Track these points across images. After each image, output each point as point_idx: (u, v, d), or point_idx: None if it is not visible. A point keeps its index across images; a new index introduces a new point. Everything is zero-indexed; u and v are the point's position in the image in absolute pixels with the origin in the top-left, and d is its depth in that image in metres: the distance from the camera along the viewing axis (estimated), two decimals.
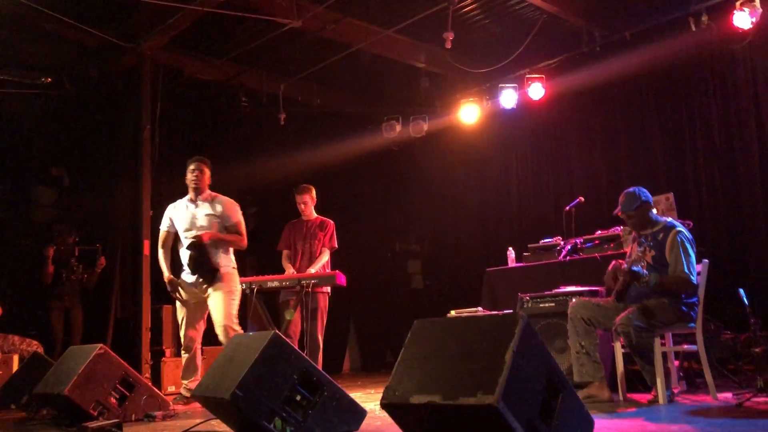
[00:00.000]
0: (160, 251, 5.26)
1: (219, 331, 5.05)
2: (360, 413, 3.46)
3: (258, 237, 7.74)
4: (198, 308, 5.18)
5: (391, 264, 9.24)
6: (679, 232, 4.32)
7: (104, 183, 7.24)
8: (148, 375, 6.31)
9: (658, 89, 6.87)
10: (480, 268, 6.48)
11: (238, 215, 5.29)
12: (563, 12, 6.72)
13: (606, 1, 6.79)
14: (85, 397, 4.11)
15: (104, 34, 6.43)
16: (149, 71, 7.07)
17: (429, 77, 7.79)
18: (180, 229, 5.21)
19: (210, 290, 5.07)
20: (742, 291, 4.62)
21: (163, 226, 5.29)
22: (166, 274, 5.20)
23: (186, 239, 5.12)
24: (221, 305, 5.01)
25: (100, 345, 4.37)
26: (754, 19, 5.77)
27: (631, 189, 4.53)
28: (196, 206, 5.19)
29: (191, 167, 5.31)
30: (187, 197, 5.25)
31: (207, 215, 5.16)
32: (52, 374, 4.48)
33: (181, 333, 5.23)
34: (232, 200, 5.33)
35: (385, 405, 2.62)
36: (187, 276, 5.14)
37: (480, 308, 5.68)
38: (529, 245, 6.13)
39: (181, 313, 5.22)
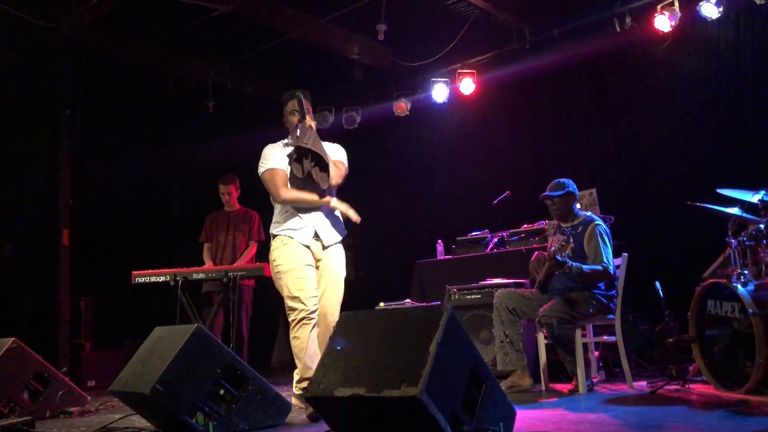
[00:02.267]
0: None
1: None
2: (285, 407, 3.43)
3: (183, 227, 7.57)
4: None
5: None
6: (598, 224, 4.48)
7: (20, 169, 6.90)
8: (66, 369, 6.06)
9: (584, 87, 7.07)
10: (411, 260, 6.52)
11: None
12: (494, 9, 6.82)
13: None
14: None
15: (23, 13, 6.11)
16: (70, 53, 6.76)
17: (362, 69, 7.76)
18: None
19: None
20: (658, 284, 4.81)
21: None
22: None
23: None
24: None
25: (13, 339, 4.18)
26: (673, 23, 6.00)
27: (560, 179, 4.66)
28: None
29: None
30: None
31: None
32: None
33: None
34: None
35: (309, 398, 2.61)
36: None
37: (409, 300, 5.72)
38: (457, 238, 6.21)
39: None
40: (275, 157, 3.95)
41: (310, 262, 3.82)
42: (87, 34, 6.77)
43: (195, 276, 5.30)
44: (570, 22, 6.80)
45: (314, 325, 3.75)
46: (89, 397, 4.59)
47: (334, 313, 3.83)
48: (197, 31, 6.80)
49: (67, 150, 6.69)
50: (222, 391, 3.18)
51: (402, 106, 7.89)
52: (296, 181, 3.83)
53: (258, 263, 5.39)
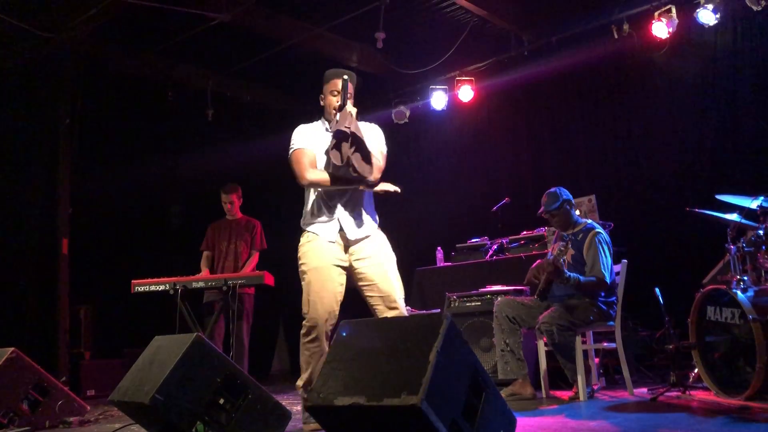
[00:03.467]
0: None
1: None
2: (285, 416, 3.41)
3: (183, 236, 7.56)
4: None
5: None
6: (598, 233, 4.48)
7: (21, 178, 6.90)
8: (65, 379, 6.05)
9: (583, 94, 7.08)
10: (410, 267, 6.52)
11: None
12: (492, 16, 6.84)
13: (534, 6, 6.95)
14: None
15: (22, 23, 6.12)
16: (70, 63, 6.77)
17: (361, 76, 7.75)
18: None
19: None
20: (657, 290, 4.81)
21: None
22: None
23: None
24: None
25: (12, 348, 4.17)
26: (671, 29, 6.03)
27: (552, 189, 4.67)
28: None
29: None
30: None
31: None
32: None
33: None
34: None
35: (309, 407, 2.60)
36: None
37: (408, 307, 5.71)
38: (456, 245, 6.22)
39: None
40: (304, 138, 3.68)
41: (336, 262, 3.59)
42: (87, 44, 6.78)
43: (194, 285, 5.29)
44: (568, 28, 6.82)
45: (325, 339, 3.54)
46: (89, 407, 4.58)
47: (395, 299, 3.56)
48: (196, 39, 6.82)
49: (66, 159, 6.70)
50: (222, 401, 3.16)
51: (401, 114, 7.91)
52: (334, 170, 3.50)
53: (257, 271, 5.38)
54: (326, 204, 3.65)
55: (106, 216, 7.34)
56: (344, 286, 3.64)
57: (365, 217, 3.70)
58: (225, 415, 3.15)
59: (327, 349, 3.44)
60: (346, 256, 3.63)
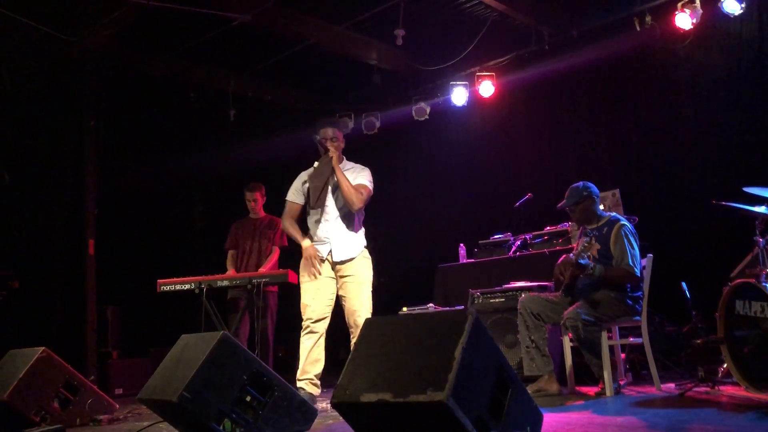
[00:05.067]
0: None
1: None
2: (311, 413, 3.43)
3: (207, 235, 7.63)
4: None
5: None
6: (623, 225, 4.43)
7: (47, 180, 7.01)
8: (93, 378, 6.13)
9: (605, 87, 7.01)
10: (432, 264, 6.51)
11: None
12: (512, 11, 6.80)
13: (554, 0, 6.90)
14: (26, 403, 3.99)
15: (46, 27, 6.22)
16: (94, 66, 6.87)
17: (381, 74, 7.78)
18: None
19: None
20: (684, 284, 4.76)
21: None
22: None
23: None
24: None
25: (43, 348, 4.24)
26: (694, 20, 5.93)
27: (577, 183, 4.63)
28: None
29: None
30: None
31: None
32: None
33: None
34: None
35: (335, 404, 2.61)
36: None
37: (432, 304, 5.71)
38: (479, 241, 6.19)
39: None
40: (295, 190, 4.53)
41: (326, 274, 4.34)
42: (110, 47, 6.87)
43: (219, 283, 5.34)
44: (589, 22, 6.76)
45: (318, 336, 4.32)
46: (117, 405, 4.64)
47: (356, 321, 4.26)
48: (217, 41, 6.87)
49: (91, 161, 6.79)
50: (248, 398, 3.19)
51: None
52: (312, 207, 4.39)
53: (281, 269, 5.41)
54: (320, 228, 4.39)
55: (131, 217, 7.43)
56: (335, 294, 4.39)
57: (352, 241, 4.38)
58: (252, 412, 3.17)
59: (322, 345, 4.32)
60: (332, 272, 4.37)
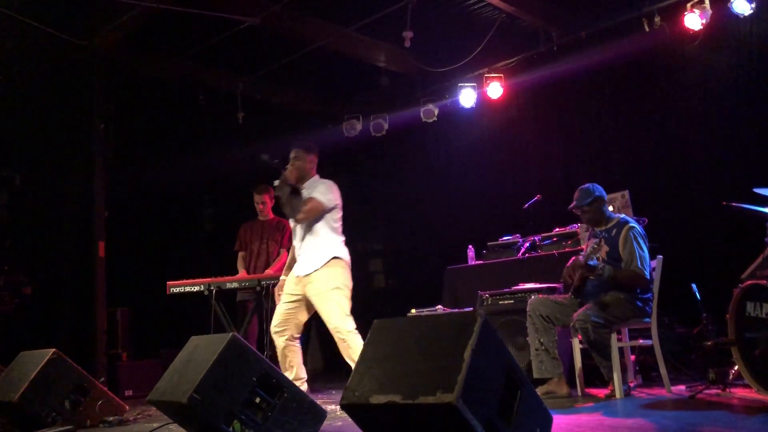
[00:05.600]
0: None
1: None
2: (320, 414, 3.43)
3: (216, 237, 7.65)
4: None
5: (352, 263, 9.18)
6: (632, 228, 4.42)
7: (57, 183, 7.06)
8: (103, 379, 6.16)
9: (614, 88, 6.98)
10: (441, 266, 6.51)
11: None
12: (520, 12, 6.79)
13: (562, 1, 6.88)
14: (37, 404, 4.02)
15: (56, 30, 6.26)
16: (102, 68, 6.90)
17: (389, 76, 7.79)
18: None
19: None
20: (694, 286, 4.73)
21: None
22: None
23: None
24: None
25: (53, 350, 4.26)
26: (704, 21, 5.90)
27: (585, 185, 4.62)
28: None
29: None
30: None
31: None
32: (2, 381, 4.35)
33: None
34: None
35: (345, 406, 2.61)
36: None
37: (440, 306, 5.70)
38: (488, 243, 6.18)
39: None
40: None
41: (288, 291, 4.45)
42: (119, 50, 6.91)
43: (228, 285, 5.35)
44: (597, 23, 6.74)
45: (281, 348, 4.45)
46: (127, 407, 4.66)
47: (331, 330, 4.37)
48: (225, 43, 6.90)
49: (100, 163, 6.82)
50: (258, 399, 3.19)
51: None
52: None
53: None
54: (295, 247, 4.53)
55: (141, 219, 7.46)
56: (297, 307, 4.44)
57: (313, 255, 4.40)
58: (261, 413, 3.18)
59: (287, 356, 4.45)
60: (298, 287, 4.41)
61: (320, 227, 4.40)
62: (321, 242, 4.39)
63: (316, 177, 4.58)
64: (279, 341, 4.45)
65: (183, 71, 7.49)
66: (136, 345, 7.03)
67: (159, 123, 7.62)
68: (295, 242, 4.50)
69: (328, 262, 4.36)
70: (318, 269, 4.34)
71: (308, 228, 4.41)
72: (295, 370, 4.43)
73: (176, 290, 5.38)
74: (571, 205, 4.63)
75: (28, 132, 6.99)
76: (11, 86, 6.68)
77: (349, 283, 4.41)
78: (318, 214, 4.38)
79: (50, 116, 7.04)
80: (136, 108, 7.35)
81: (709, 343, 4.03)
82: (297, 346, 4.51)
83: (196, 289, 5.33)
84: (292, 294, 4.42)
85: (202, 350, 3.35)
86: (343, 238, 4.50)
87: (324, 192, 4.43)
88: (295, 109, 8.51)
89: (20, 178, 7.09)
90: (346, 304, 4.34)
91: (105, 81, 6.94)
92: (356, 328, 4.34)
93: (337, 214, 4.48)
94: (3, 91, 6.63)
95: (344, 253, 4.46)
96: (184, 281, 5.38)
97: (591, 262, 4.24)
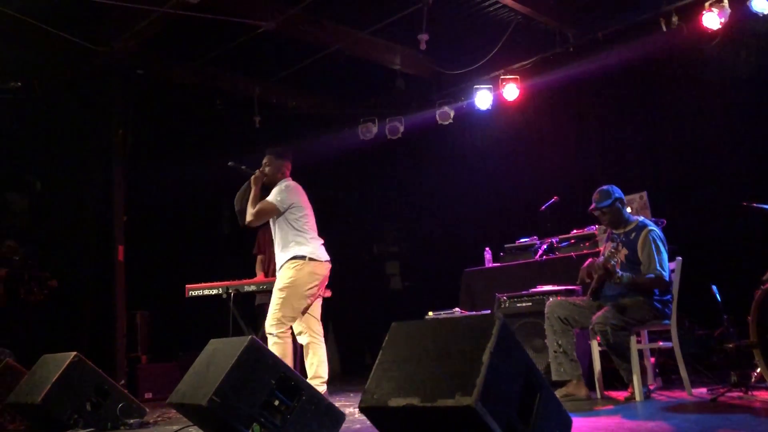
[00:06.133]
0: None
1: None
2: (339, 417, 3.44)
3: (234, 240, 7.69)
4: None
5: (369, 266, 9.22)
6: (651, 230, 4.38)
7: (77, 188, 7.14)
8: (123, 382, 6.22)
9: (631, 89, 6.94)
10: (458, 268, 6.49)
11: None
12: (536, 13, 6.77)
13: (578, 1, 6.85)
14: (59, 406, 4.06)
15: (75, 37, 6.33)
16: (121, 75, 6.98)
17: (404, 78, 7.80)
18: None
19: None
20: (714, 288, 4.68)
21: None
22: None
23: None
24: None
25: (75, 353, 4.31)
26: (722, 20, 5.85)
27: (604, 186, 4.59)
28: None
29: None
30: None
31: None
32: (25, 384, 4.41)
33: None
34: None
35: (363, 408, 2.61)
36: None
37: (458, 309, 5.69)
38: (505, 245, 6.16)
39: None
40: None
41: None
42: (137, 56, 6.98)
43: (246, 288, 5.39)
44: (614, 23, 6.70)
45: (303, 341, 4.58)
46: (147, 409, 4.70)
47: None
48: (242, 48, 6.94)
49: (120, 168, 6.90)
50: (277, 402, 3.21)
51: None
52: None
53: None
54: None
55: (159, 223, 7.53)
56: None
57: (280, 255, 4.54)
58: (280, 416, 3.19)
59: (309, 352, 4.51)
60: None
61: (283, 228, 4.52)
62: (285, 243, 4.51)
63: (285, 180, 4.67)
64: (301, 340, 4.57)
65: (200, 76, 7.56)
66: (155, 348, 7.09)
67: (177, 128, 7.69)
68: None
69: (287, 262, 4.47)
70: (279, 269, 4.52)
71: (275, 230, 4.56)
72: (314, 367, 4.47)
73: (195, 293, 5.42)
74: (591, 207, 4.60)
75: (48, 138, 7.09)
76: (31, 93, 6.77)
77: (306, 283, 4.42)
78: (268, 215, 4.52)
79: (70, 122, 7.13)
80: (154, 113, 7.42)
81: (731, 346, 3.99)
82: (319, 341, 4.54)
83: (214, 292, 5.38)
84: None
85: (221, 353, 3.37)
86: (311, 235, 4.54)
87: (275, 193, 4.53)
88: (310, 112, 8.54)
89: (40, 183, 7.19)
90: (288, 307, 4.39)
91: (124, 87, 7.02)
92: (289, 336, 4.47)
93: (298, 213, 4.52)
94: (23, 97, 6.73)
95: (309, 251, 4.47)
96: (203, 284, 5.42)
97: (609, 267, 4.20)
